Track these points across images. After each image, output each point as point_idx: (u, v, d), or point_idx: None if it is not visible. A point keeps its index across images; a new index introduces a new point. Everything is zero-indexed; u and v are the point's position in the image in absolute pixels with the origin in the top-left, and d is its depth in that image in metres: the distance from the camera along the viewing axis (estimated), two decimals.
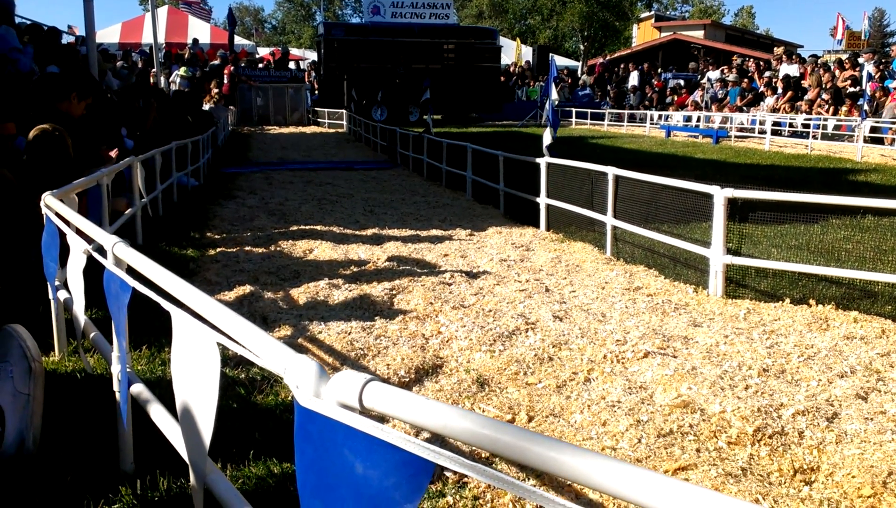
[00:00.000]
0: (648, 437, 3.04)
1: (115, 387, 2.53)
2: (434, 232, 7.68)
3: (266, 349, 1.45)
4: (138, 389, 2.49)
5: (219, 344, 1.64)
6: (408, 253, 6.63)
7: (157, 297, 1.98)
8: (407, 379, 3.71)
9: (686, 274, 5.79)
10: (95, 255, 2.69)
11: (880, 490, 2.59)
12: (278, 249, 6.76)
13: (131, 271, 2.31)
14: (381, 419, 1.53)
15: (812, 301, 4.99)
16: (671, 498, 0.88)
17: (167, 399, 2.40)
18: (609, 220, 6.64)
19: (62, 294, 3.61)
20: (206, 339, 1.70)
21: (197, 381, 1.73)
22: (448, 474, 2.70)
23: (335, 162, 15.55)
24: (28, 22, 11.43)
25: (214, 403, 1.70)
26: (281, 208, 9.15)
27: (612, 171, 6.56)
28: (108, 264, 2.37)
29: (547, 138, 8.64)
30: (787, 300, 5.07)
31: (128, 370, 2.49)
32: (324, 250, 6.66)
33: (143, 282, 2.17)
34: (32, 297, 4.54)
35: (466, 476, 2.69)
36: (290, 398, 3.45)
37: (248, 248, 6.74)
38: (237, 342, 1.54)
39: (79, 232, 3.06)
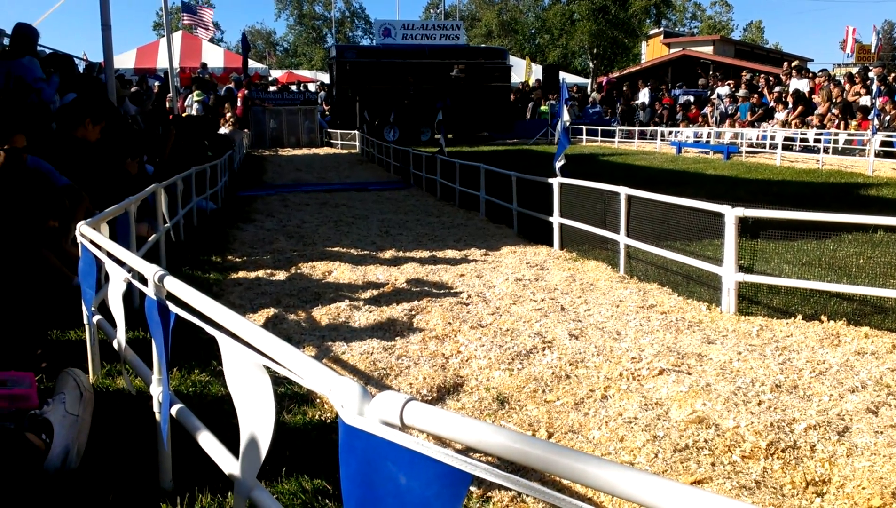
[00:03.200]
0: (665, 452, 3.14)
1: (156, 408, 2.67)
2: (449, 252, 7.81)
3: (311, 372, 1.57)
4: (177, 409, 2.63)
5: (266, 367, 1.77)
6: (425, 274, 6.77)
7: (201, 322, 2.12)
8: (429, 398, 3.84)
9: (699, 292, 5.89)
10: (136, 283, 2.84)
11: (889, 500, 2.69)
12: (298, 271, 6.91)
13: (170, 298, 2.45)
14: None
15: (824, 317, 5.08)
16: (688, 504, 0.99)
17: (204, 418, 2.54)
18: (622, 238, 6.75)
19: (96, 319, 3.76)
20: (252, 363, 1.83)
21: (251, 402, 1.86)
22: (472, 488, 2.81)
23: (349, 183, 15.75)
24: (48, 51, 11.74)
25: (271, 425, 1.82)
26: (298, 231, 9.32)
27: (624, 191, 6.68)
28: (150, 292, 2.50)
29: (559, 160, 8.78)
30: (800, 317, 5.16)
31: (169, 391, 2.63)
32: (343, 272, 6.81)
33: (181, 307, 2.31)
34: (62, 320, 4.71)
35: (490, 492, 2.81)
36: (316, 417, 3.58)
37: (268, 271, 6.90)
38: (283, 366, 1.67)
39: (115, 260, 3.21)
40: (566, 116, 8.90)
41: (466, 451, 2.48)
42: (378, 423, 1.33)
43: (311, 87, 36.21)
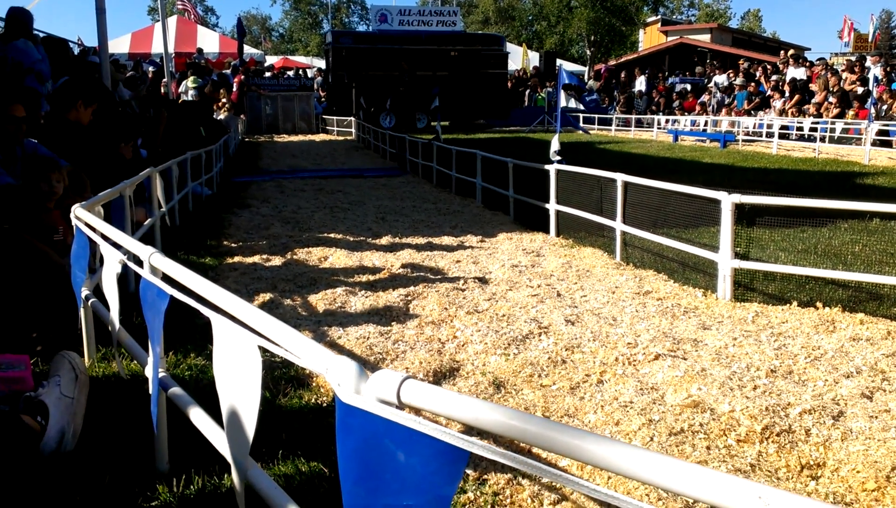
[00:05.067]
0: (660, 436, 3.15)
1: (151, 391, 2.66)
2: (446, 239, 7.80)
3: (307, 351, 1.56)
4: (174, 391, 2.62)
5: (260, 347, 1.76)
6: (421, 260, 6.76)
7: (196, 303, 2.11)
8: (425, 382, 3.83)
9: (695, 278, 5.89)
10: (131, 264, 2.83)
11: (883, 483, 2.70)
12: (294, 256, 6.90)
13: (165, 280, 2.44)
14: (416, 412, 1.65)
15: (819, 304, 5.09)
16: (683, 478, 0.99)
17: (200, 401, 2.53)
18: (618, 225, 6.75)
19: (91, 302, 3.75)
20: (248, 343, 1.82)
21: (239, 382, 1.85)
22: (468, 471, 2.82)
23: (345, 170, 15.70)
24: (42, 34, 11.65)
25: (257, 403, 1.82)
26: (294, 216, 9.30)
27: (620, 177, 6.67)
28: (145, 273, 2.49)
29: (555, 144, 8.76)
30: (795, 303, 5.17)
31: (162, 374, 2.62)
32: (339, 258, 6.79)
33: (175, 289, 2.30)
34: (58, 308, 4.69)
35: (487, 474, 2.81)
36: (312, 400, 3.58)
37: (264, 256, 6.89)
38: (279, 345, 1.66)
39: (110, 242, 3.19)
40: (563, 102, 8.87)
41: (465, 432, 2.48)
42: (375, 401, 1.32)
43: (309, 73, 36.02)
